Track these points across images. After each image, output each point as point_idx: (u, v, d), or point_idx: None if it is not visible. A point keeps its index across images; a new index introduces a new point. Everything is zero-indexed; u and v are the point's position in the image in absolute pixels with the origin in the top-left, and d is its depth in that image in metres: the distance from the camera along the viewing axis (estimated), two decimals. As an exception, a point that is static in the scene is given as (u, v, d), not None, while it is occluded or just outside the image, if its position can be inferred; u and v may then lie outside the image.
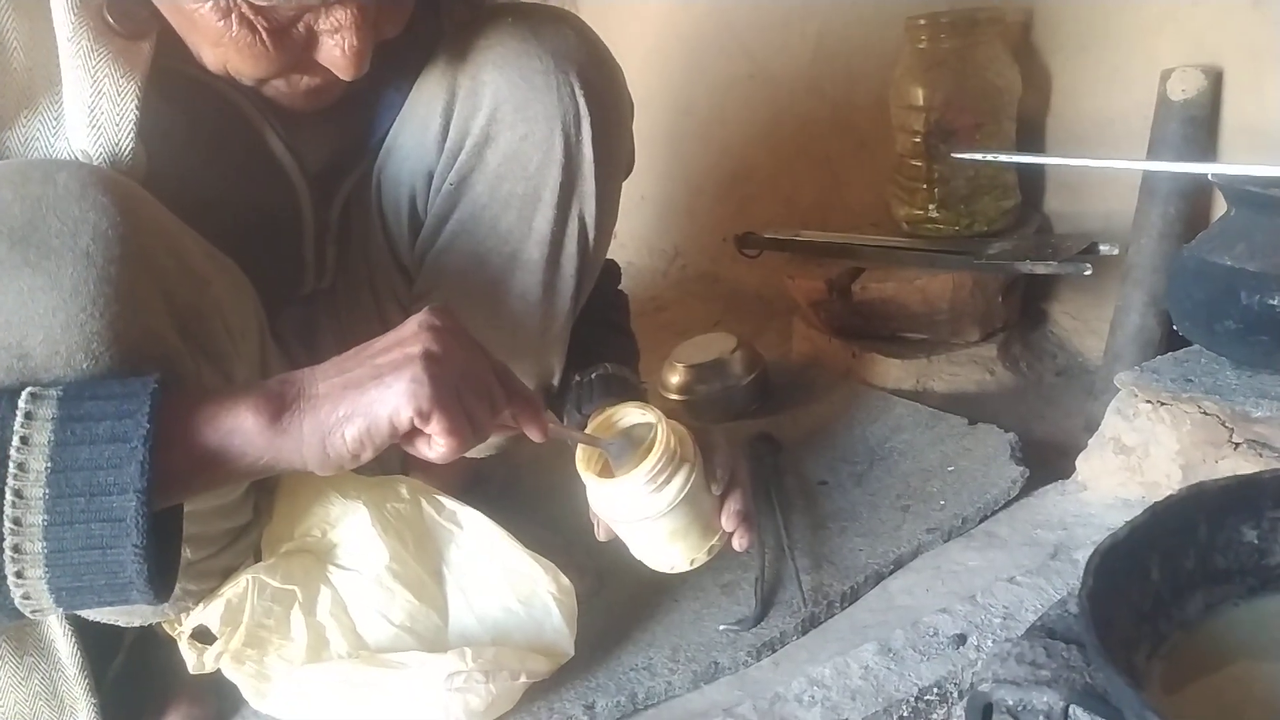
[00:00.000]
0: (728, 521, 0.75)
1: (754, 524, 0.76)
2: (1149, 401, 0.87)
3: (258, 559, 0.76)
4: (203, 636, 0.73)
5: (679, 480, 0.69)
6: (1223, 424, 0.82)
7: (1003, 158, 0.97)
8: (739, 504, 0.75)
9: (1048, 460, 1.00)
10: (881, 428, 1.10)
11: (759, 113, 1.59)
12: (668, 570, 0.75)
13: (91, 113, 0.60)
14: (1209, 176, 0.88)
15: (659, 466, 0.67)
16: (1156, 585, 0.51)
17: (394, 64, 0.73)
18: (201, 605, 0.72)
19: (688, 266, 1.71)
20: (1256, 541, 0.54)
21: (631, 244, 1.77)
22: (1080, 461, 0.94)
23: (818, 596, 0.86)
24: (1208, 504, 0.53)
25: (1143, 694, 0.40)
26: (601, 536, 0.77)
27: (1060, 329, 1.23)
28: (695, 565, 0.75)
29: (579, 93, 0.75)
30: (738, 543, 0.76)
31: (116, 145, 0.61)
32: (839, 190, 1.47)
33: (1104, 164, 0.99)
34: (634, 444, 0.71)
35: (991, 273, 1.09)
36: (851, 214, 1.42)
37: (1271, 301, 0.80)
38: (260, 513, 0.75)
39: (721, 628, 0.84)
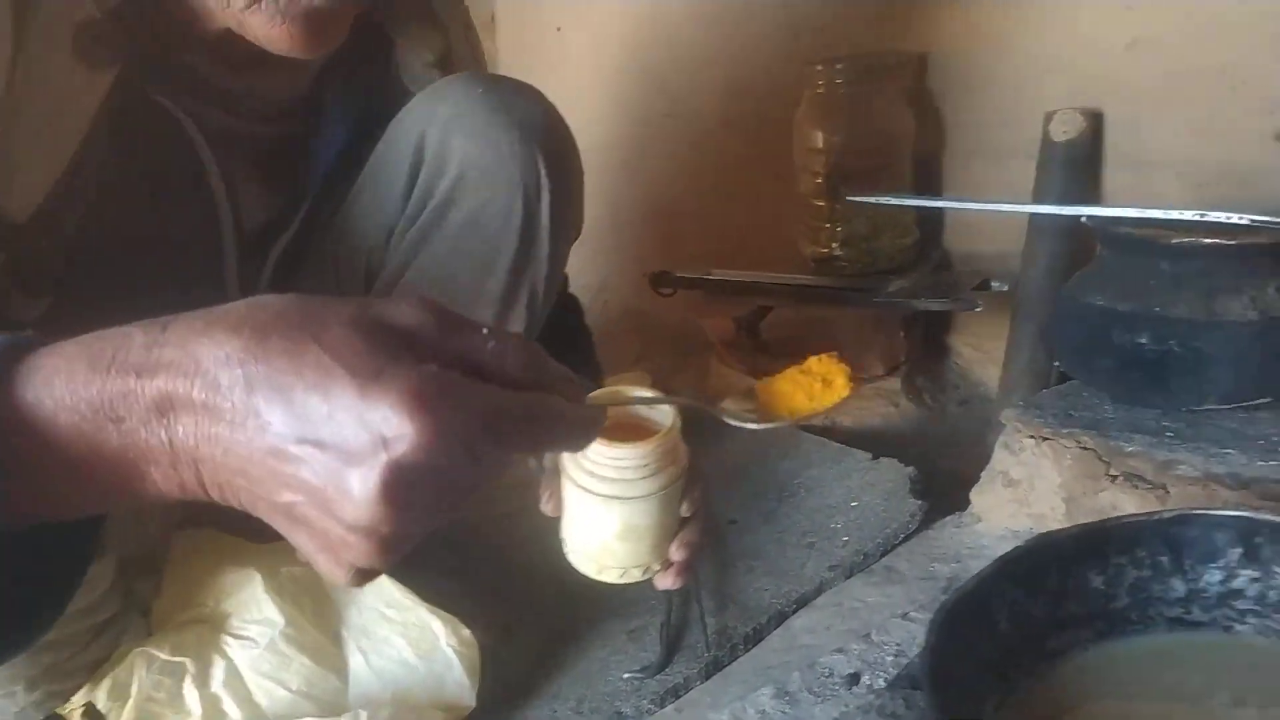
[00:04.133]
0: (677, 550, 0.73)
1: (692, 568, 0.75)
2: (1032, 437, 0.90)
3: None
4: (97, 715, 0.72)
5: (667, 476, 0.65)
6: (1100, 458, 0.85)
7: (894, 201, 1.00)
8: (695, 536, 0.74)
9: (949, 492, 1.02)
10: (791, 464, 1.12)
11: (679, 149, 1.61)
12: (595, 575, 0.69)
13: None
14: (1082, 219, 0.92)
15: (663, 449, 0.63)
16: (1005, 635, 0.53)
17: (330, 119, 0.75)
18: (89, 684, 0.71)
19: (611, 302, 1.72)
20: (1103, 587, 0.56)
21: (558, 279, 1.79)
22: (974, 495, 0.96)
23: (722, 640, 0.87)
24: (1057, 553, 0.56)
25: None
26: (549, 510, 0.74)
27: (963, 360, 1.27)
28: (623, 580, 0.69)
29: (542, 165, 0.78)
30: (671, 580, 0.73)
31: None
32: (759, 226, 1.50)
33: (983, 207, 1.03)
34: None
35: (889, 310, 1.13)
36: (774, 250, 1.44)
37: (1141, 340, 0.84)
38: (133, 597, 0.74)
39: (626, 676, 0.85)
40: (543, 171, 0.78)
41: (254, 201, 0.78)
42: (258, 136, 0.77)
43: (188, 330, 0.37)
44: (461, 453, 0.37)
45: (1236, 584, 0.55)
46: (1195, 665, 0.53)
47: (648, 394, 0.46)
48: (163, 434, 0.37)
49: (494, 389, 0.39)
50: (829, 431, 1.19)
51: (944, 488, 1.03)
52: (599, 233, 1.74)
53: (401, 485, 0.36)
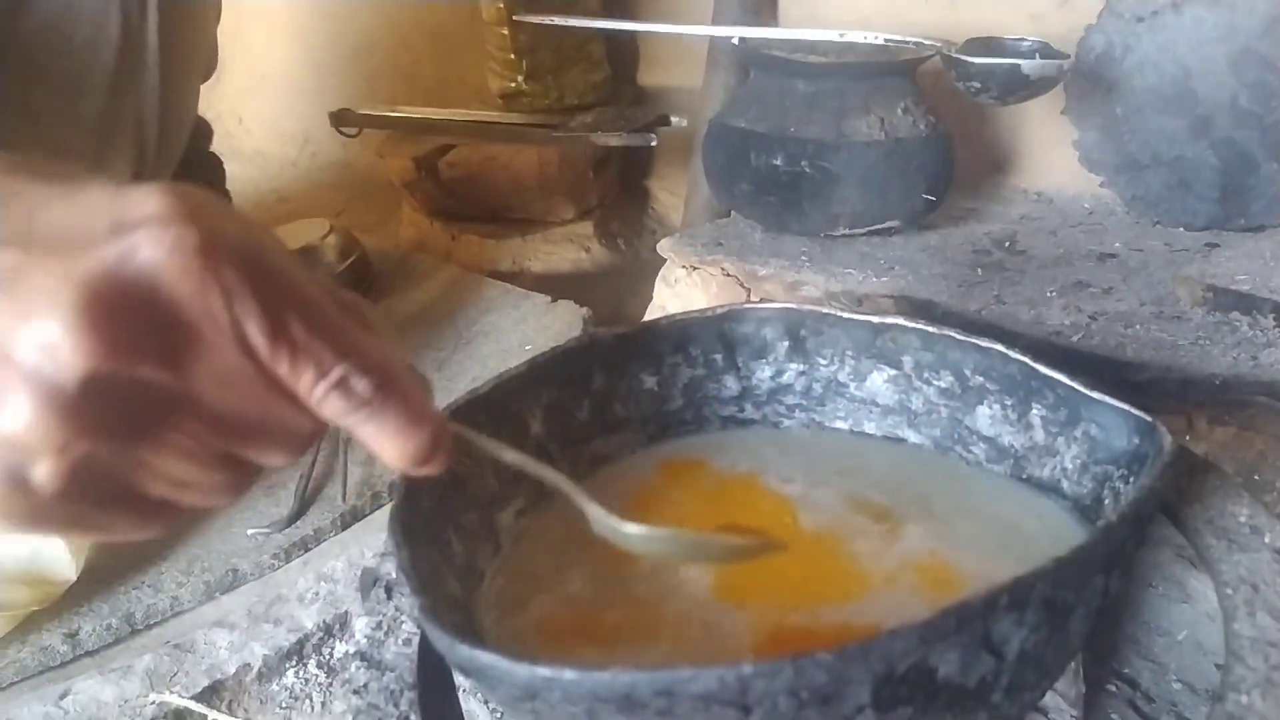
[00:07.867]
0: None
1: None
2: (684, 267, 0.89)
3: None
4: None
5: None
6: (740, 284, 0.85)
7: (559, 22, 0.94)
8: None
9: (626, 331, 1.01)
10: (471, 311, 1.07)
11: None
12: None
13: None
14: (733, 41, 0.89)
15: None
16: (539, 439, 0.50)
17: None
18: None
19: (318, 154, 1.58)
20: (656, 388, 0.55)
21: (259, 130, 1.61)
22: (638, 330, 0.95)
23: (363, 489, 0.82)
24: (603, 354, 0.53)
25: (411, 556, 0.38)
26: None
27: (660, 205, 1.25)
28: None
29: None
30: None
31: None
32: (457, 67, 1.40)
33: (635, 28, 0.98)
34: None
35: (568, 146, 1.08)
36: (470, 90, 1.35)
37: (776, 162, 0.83)
38: None
39: (250, 532, 0.78)
40: None
41: None
42: None
43: None
44: (232, 309, 0.25)
45: (785, 378, 0.55)
46: (744, 454, 0.53)
47: (519, 456, 0.33)
48: None
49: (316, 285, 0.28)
50: (518, 278, 1.14)
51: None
52: (297, 78, 1.58)
53: (125, 300, 0.23)
